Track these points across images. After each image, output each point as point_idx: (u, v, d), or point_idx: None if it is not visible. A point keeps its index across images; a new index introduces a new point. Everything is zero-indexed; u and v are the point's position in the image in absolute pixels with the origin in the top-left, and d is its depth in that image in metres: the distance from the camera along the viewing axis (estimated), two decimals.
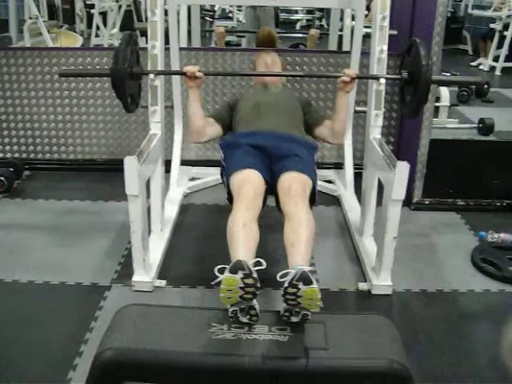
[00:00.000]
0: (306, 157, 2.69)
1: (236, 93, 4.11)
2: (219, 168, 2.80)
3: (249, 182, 2.45)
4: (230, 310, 1.87)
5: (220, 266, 1.90)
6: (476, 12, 9.10)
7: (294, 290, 1.81)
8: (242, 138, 2.76)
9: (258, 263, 1.98)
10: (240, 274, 1.83)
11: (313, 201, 2.53)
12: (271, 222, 2.59)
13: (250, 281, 1.83)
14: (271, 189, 2.54)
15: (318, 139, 2.99)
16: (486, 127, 4.89)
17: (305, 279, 1.82)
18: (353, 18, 4.67)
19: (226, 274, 1.85)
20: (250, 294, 1.85)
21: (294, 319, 1.88)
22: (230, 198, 2.53)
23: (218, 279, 1.87)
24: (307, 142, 2.86)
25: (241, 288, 1.83)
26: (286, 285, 1.84)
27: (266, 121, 2.83)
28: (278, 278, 1.93)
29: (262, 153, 2.65)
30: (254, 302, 1.88)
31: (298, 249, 2.13)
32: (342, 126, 2.91)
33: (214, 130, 2.95)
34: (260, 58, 3.24)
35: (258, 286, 1.86)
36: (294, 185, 2.43)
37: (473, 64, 8.46)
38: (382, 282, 2.75)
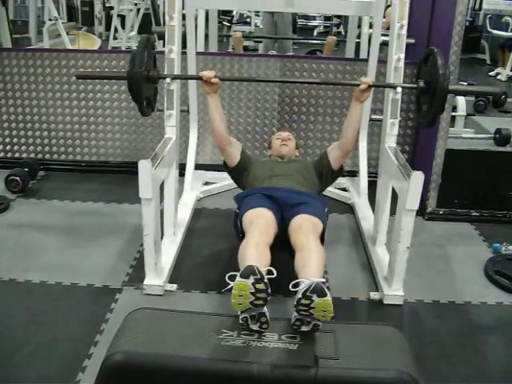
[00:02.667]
0: (317, 204, 2.71)
1: (252, 98, 4.11)
2: None
3: (261, 217, 2.49)
4: (241, 317, 1.87)
5: (231, 273, 1.90)
6: (495, 32, 8.97)
7: (308, 302, 1.81)
8: (256, 190, 2.79)
9: (269, 272, 1.98)
10: (251, 279, 1.83)
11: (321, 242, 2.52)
12: None
13: (261, 286, 1.83)
14: (282, 241, 2.51)
15: (338, 163, 2.99)
16: (502, 138, 4.84)
17: (319, 291, 1.81)
18: (370, 26, 4.65)
19: (238, 278, 1.85)
20: (261, 300, 1.84)
21: (305, 328, 1.87)
22: (242, 235, 2.52)
23: (229, 286, 1.87)
24: (318, 196, 2.90)
25: (252, 293, 1.83)
26: (299, 296, 1.83)
27: (279, 182, 2.84)
28: (290, 288, 1.93)
29: (275, 202, 2.66)
30: (265, 309, 1.88)
31: (309, 268, 2.13)
32: (352, 135, 2.92)
33: (235, 150, 2.99)
34: (276, 134, 3.32)
35: (269, 291, 1.86)
36: (304, 223, 2.46)
37: (491, 74, 8.39)
38: (393, 292, 2.73)
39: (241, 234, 2.55)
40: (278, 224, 2.53)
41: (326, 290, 1.83)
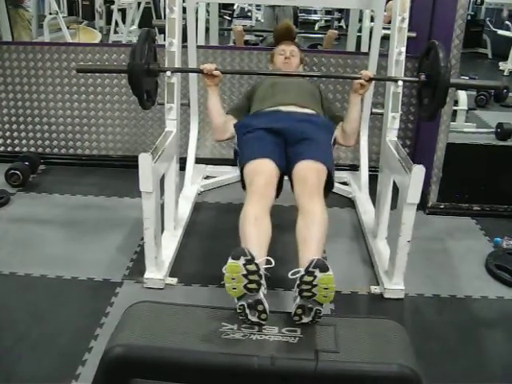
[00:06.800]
0: (322, 140, 2.69)
1: None
2: (234, 167, 2.79)
3: (261, 173, 2.47)
4: (238, 304, 1.86)
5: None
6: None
7: (311, 278, 1.80)
8: (256, 121, 2.76)
9: (268, 261, 1.99)
10: (242, 260, 1.83)
11: (329, 187, 2.52)
12: (283, 222, 2.58)
13: (252, 267, 1.83)
14: (286, 171, 2.55)
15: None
16: (503, 132, 4.83)
17: (321, 266, 1.81)
18: (372, 20, 4.64)
19: (229, 260, 1.85)
20: (255, 284, 1.84)
21: (306, 319, 1.86)
22: (244, 185, 2.55)
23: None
24: (323, 122, 2.86)
25: (244, 276, 1.83)
26: (302, 273, 1.82)
27: (283, 96, 2.83)
28: (289, 276, 1.91)
29: (277, 136, 2.66)
30: (261, 295, 1.87)
31: (310, 247, 2.15)
32: (354, 129, 2.91)
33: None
34: (278, 48, 3.24)
35: (261, 274, 1.87)
36: (309, 175, 2.45)
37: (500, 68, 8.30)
38: (394, 286, 2.73)
39: (242, 182, 2.60)
40: (281, 166, 2.55)
41: (328, 265, 1.82)
